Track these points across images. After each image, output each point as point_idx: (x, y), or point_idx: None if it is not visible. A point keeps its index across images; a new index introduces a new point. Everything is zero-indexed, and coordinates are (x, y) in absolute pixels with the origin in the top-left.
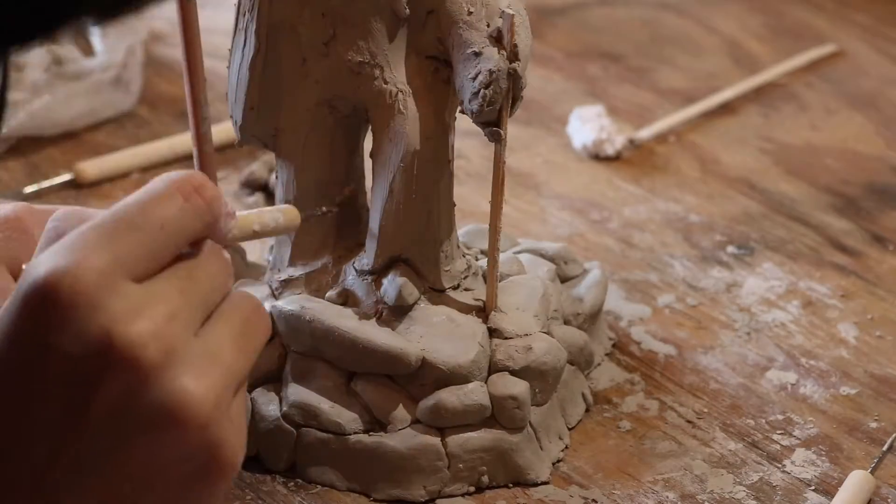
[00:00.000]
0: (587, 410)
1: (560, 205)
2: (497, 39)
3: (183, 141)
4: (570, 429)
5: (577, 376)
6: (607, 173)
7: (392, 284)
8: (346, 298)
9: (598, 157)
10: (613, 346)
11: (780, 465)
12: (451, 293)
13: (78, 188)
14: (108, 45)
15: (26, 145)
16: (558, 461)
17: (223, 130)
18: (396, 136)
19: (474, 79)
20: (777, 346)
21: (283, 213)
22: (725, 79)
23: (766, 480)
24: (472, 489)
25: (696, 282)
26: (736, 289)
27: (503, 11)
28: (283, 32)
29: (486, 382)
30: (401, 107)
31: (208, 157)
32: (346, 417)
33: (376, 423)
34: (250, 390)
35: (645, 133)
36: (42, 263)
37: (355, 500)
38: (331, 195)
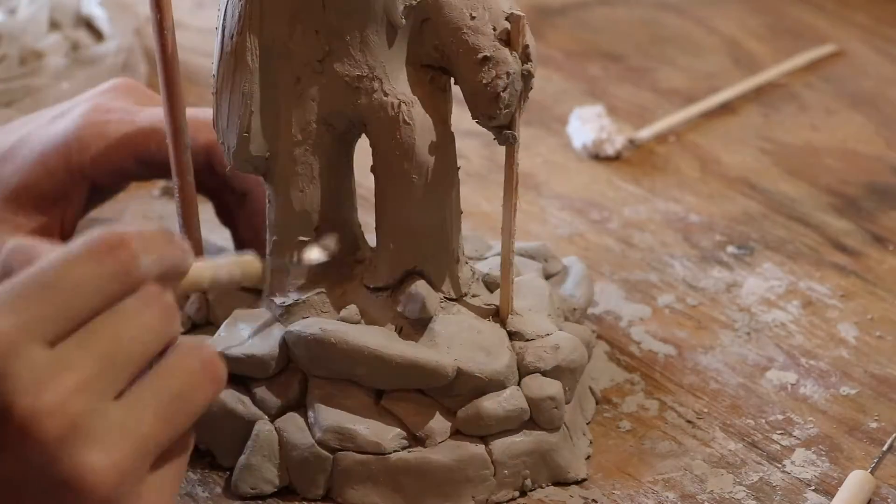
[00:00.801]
0: (597, 404)
1: (560, 205)
2: (506, 42)
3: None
4: (587, 423)
5: (584, 372)
6: (607, 173)
7: (414, 299)
8: (361, 317)
9: (598, 157)
10: (598, 337)
11: (780, 465)
12: (464, 300)
13: None
14: (115, 28)
15: None
16: (588, 457)
17: None
18: (404, 148)
19: (488, 84)
20: (777, 346)
21: (242, 266)
22: (725, 79)
23: (765, 480)
24: (516, 494)
25: (696, 282)
26: (736, 289)
27: (511, 13)
28: (275, 53)
29: (519, 386)
30: (405, 118)
31: (189, 186)
32: (385, 436)
33: (413, 438)
34: (274, 419)
35: (645, 133)
36: None
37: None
38: (328, 215)
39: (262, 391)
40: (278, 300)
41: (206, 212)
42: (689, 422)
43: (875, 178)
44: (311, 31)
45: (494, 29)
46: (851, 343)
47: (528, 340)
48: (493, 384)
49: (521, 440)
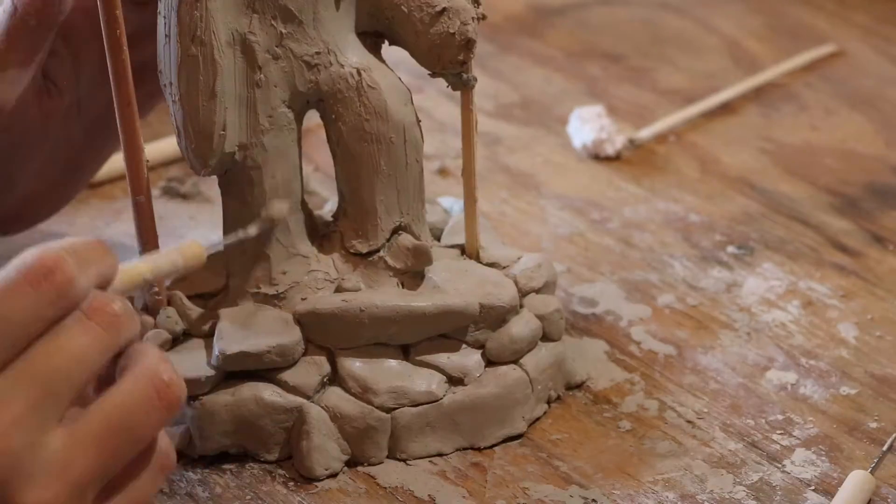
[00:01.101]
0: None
1: (560, 205)
2: None
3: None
4: (571, 387)
5: None
6: (607, 173)
7: (416, 252)
8: (360, 284)
9: (598, 157)
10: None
11: (779, 465)
12: (436, 246)
13: None
14: None
15: None
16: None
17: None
18: (378, 111)
19: (456, 33)
20: (777, 346)
21: (182, 253)
22: (725, 79)
23: (765, 480)
24: (546, 407)
25: (696, 282)
26: (736, 289)
27: None
28: (235, 46)
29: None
30: (368, 83)
31: (140, 165)
32: (433, 384)
33: (451, 380)
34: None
35: (645, 133)
36: None
37: (355, 499)
38: (297, 195)
39: (292, 377)
40: (269, 290)
41: (206, 213)
42: (689, 422)
43: (875, 178)
44: (266, 18)
45: None
46: (851, 343)
47: (504, 267)
48: (512, 310)
49: (544, 354)
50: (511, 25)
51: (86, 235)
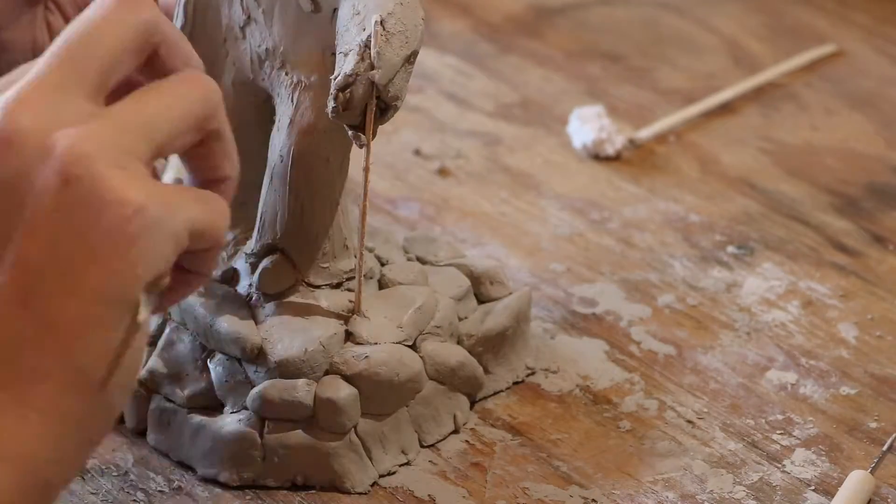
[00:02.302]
0: (455, 432)
1: (560, 205)
2: (366, 45)
3: None
4: (424, 446)
5: (449, 396)
6: (607, 173)
7: (261, 271)
8: (232, 277)
9: (598, 157)
10: (531, 374)
11: (779, 465)
12: (328, 291)
13: None
14: None
15: None
16: (389, 475)
17: None
18: (281, 127)
19: (334, 79)
20: (777, 346)
21: None
22: (725, 79)
23: (765, 480)
24: (287, 484)
25: (696, 282)
26: (736, 289)
27: (375, 19)
28: (209, 10)
29: (317, 382)
30: (295, 97)
31: None
32: (189, 392)
33: (218, 401)
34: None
35: (645, 133)
36: None
37: (355, 499)
38: (248, 174)
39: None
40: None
41: None
42: (688, 422)
43: (875, 178)
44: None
45: (365, 29)
46: (851, 343)
47: (357, 343)
48: (285, 371)
49: (296, 435)
50: (511, 25)
51: None
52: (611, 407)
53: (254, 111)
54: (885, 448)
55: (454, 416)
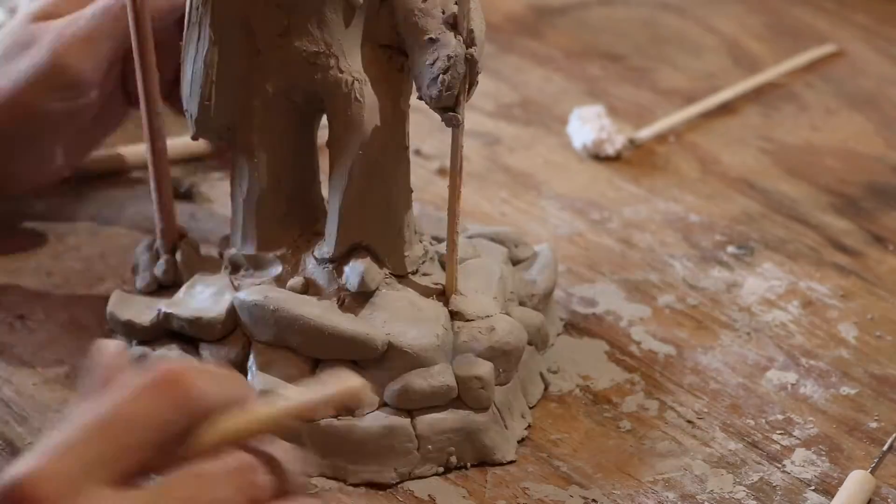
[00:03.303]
0: (546, 389)
1: (560, 205)
2: (453, 25)
3: (183, 142)
4: (530, 408)
5: (534, 356)
6: (607, 173)
7: (354, 271)
8: (308, 287)
9: (598, 157)
10: (565, 326)
11: (780, 465)
12: (412, 278)
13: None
14: None
15: None
16: (523, 440)
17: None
18: (353, 124)
19: (433, 65)
20: (777, 346)
21: (341, 396)
22: (725, 79)
23: (766, 480)
24: (441, 469)
25: (696, 282)
26: (736, 289)
27: None
28: (237, 25)
29: (451, 364)
30: (357, 95)
31: (161, 152)
32: None
33: (343, 408)
34: None
35: (645, 133)
36: (18, 465)
37: (356, 500)
38: (288, 186)
39: (205, 351)
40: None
41: (206, 211)
42: (689, 422)
43: (875, 178)
44: (272, 5)
45: (444, 12)
46: (851, 343)
47: (467, 321)
48: (422, 360)
49: (446, 417)
50: (511, 25)
51: (86, 236)
52: (611, 407)
53: (297, 118)
54: (885, 448)
55: (541, 374)
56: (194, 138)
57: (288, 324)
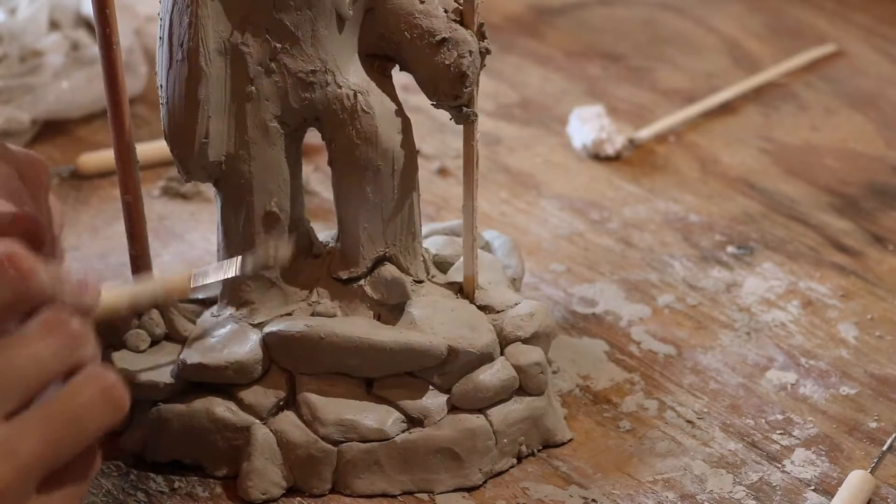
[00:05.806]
0: (555, 372)
1: (560, 205)
2: (459, 22)
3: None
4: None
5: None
6: (607, 173)
7: (390, 285)
8: (336, 310)
9: (598, 157)
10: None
11: (779, 465)
12: (428, 281)
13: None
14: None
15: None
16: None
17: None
18: (368, 136)
19: (452, 65)
20: (777, 346)
21: (166, 285)
22: (725, 79)
23: (765, 480)
24: (514, 461)
25: (696, 282)
26: (736, 289)
27: None
28: (227, 56)
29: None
30: (363, 107)
31: (130, 165)
32: (386, 422)
33: (410, 420)
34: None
35: (645, 133)
36: None
37: (355, 500)
38: (286, 214)
39: (249, 395)
40: (245, 317)
41: (206, 212)
42: (688, 422)
43: (875, 178)
44: (261, 31)
45: (445, 11)
46: (851, 343)
47: (498, 312)
48: (484, 357)
49: (516, 407)
50: (511, 25)
51: (86, 236)
52: (611, 407)
53: (289, 144)
54: (885, 448)
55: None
56: (187, 180)
57: (341, 348)
